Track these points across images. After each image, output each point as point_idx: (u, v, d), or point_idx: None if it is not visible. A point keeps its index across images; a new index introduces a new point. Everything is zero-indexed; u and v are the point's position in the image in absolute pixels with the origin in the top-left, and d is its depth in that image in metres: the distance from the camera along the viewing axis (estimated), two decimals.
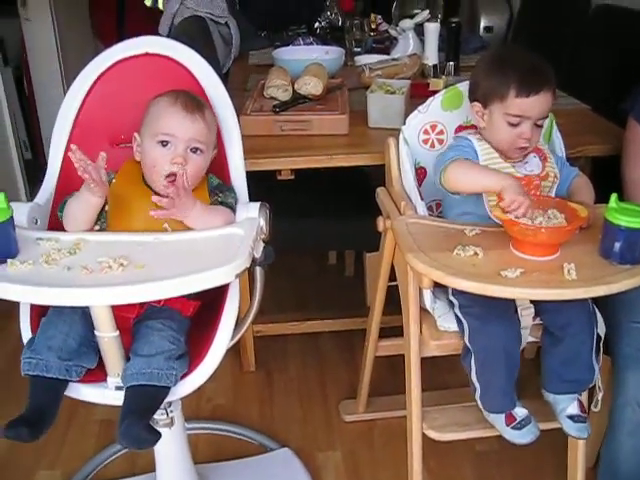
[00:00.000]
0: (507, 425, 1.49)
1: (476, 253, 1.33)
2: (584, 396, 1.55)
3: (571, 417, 1.50)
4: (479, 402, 1.51)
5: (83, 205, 1.43)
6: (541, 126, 1.51)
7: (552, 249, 1.33)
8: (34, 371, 1.33)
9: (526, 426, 1.48)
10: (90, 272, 1.23)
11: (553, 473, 1.91)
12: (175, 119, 1.44)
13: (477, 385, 1.49)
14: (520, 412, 1.50)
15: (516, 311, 1.47)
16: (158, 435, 1.30)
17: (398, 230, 1.47)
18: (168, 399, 1.40)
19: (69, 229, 1.45)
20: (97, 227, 1.46)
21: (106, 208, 1.46)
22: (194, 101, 1.48)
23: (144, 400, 1.34)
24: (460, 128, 1.69)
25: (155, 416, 1.49)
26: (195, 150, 1.46)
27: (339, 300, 2.64)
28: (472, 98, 1.57)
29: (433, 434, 1.59)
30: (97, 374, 1.40)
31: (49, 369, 1.33)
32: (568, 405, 1.50)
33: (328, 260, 3.07)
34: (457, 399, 1.66)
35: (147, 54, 1.62)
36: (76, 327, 1.37)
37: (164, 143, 1.44)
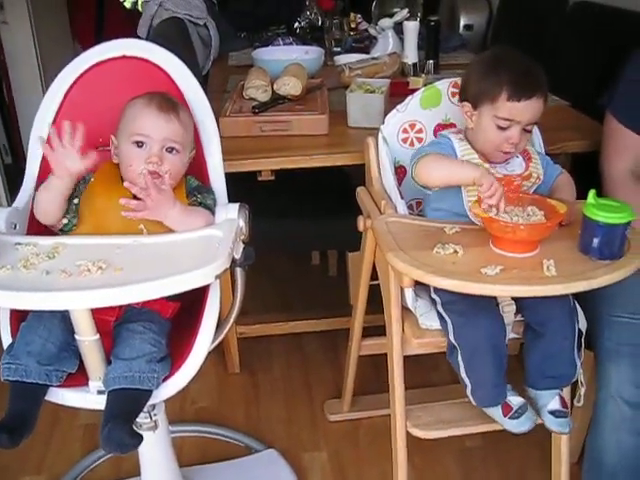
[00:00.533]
0: (505, 416, 1.49)
1: (456, 251, 1.33)
2: (566, 391, 1.56)
3: (552, 412, 1.50)
4: (471, 398, 1.50)
5: (48, 190, 1.43)
6: (529, 131, 1.50)
7: (531, 246, 1.33)
8: (14, 376, 1.33)
9: (523, 414, 1.48)
10: (69, 276, 1.23)
11: (538, 468, 1.92)
12: (149, 119, 1.44)
13: (467, 381, 1.49)
14: (515, 401, 1.50)
15: (497, 306, 1.48)
16: (140, 438, 1.29)
17: (378, 229, 1.47)
18: (151, 402, 1.40)
19: (39, 218, 1.46)
20: (65, 220, 1.46)
21: (75, 201, 1.45)
22: (169, 102, 1.48)
23: (126, 404, 1.34)
24: (439, 126, 1.70)
25: (138, 419, 1.48)
26: (171, 150, 1.46)
27: (323, 300, 2.64)
28: (462, 98, 1.56)
29: (417, 432, 1.59)
30: (78, 378, 1.39)
31: (29, 374, 1.32)
32: (549, 401, 1.51)
33: (311, 260, 3.06)
34: (441, 396, 1.67)
35: (124, 57, 1.61)
36: (56, 332, 1.36)
37: (139, 144, 1.44)
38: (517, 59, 1.52)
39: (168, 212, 1.39)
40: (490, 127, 1.49)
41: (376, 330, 1.86)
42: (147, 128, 1.44)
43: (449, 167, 1.47)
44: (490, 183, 1.34)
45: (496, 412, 1.50)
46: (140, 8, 4.35)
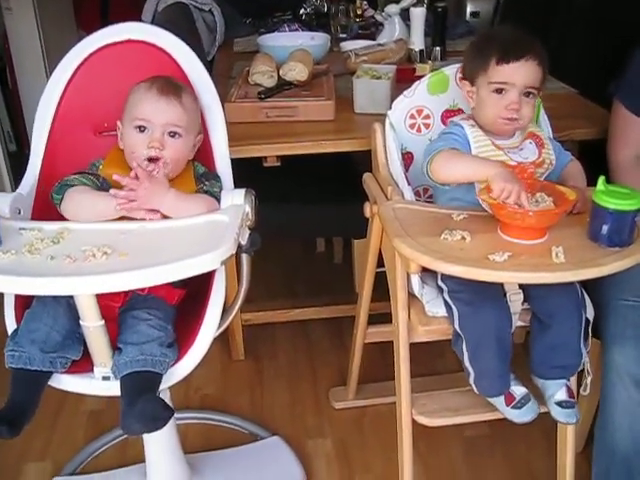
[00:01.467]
0: (507, 405, 1.49)
1: (463, 237, 1.32)
2: (573, 380, 1.55)
3: (559, 403, 1.49)
4: (474, 386, 1.50)
5: (96, 211, 1.40)
6: (531, 99, 1.47)
7: (540, 232, 1.32)
8: (17, 364, 1.33)
9: (526, 404, 1.48)
10: (74, 261, 1.22)
11: (543, 457, 1.91)
12: (150, 104, 1.44)
13: (471, 370, 1.48)
14: (518, 390, 1.50)
15: (505, 295, 1.47)
16: (172, 412, 1.31)
17: (385, 215, 1.45)
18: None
19: (69, 217, 1.42)
20: None
21: None
22: (170, 85, 1.47)
23: (143, 384, 1.33)
24: (447, 112, 1.69)
25: None
26: (173, 134, 1.45)
27: (328, 287, 2.64)
28: (461, 78, 1.57)
29: (423, 420, 1.59)
30: (83, 364, 1.39)
31: (32, 362, 1.32)
32: (556, 391, 1.50)
33: (316, 247, 3.05)
34: (447, 384, 1.66)
35: (129, 40, 1.60)
36: (60, 319, 1.36)
37: (142, 128, 1.44)
38: (507, 31, 1.53)
39: (162, 199, 1.37)
40: (488, 96, 1.48)
41: (381, 317, 1.85)
42: (148, 112, 1.43)
43: (464, 166, 1.44)
44: (501, 188, 1.30)
45: (499, 401, 1.50)
46: None
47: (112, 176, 1.38)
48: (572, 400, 1.50)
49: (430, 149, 1.49)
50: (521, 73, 1.44)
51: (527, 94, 1.46)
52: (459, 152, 1.47)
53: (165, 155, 1.43)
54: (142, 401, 1.26)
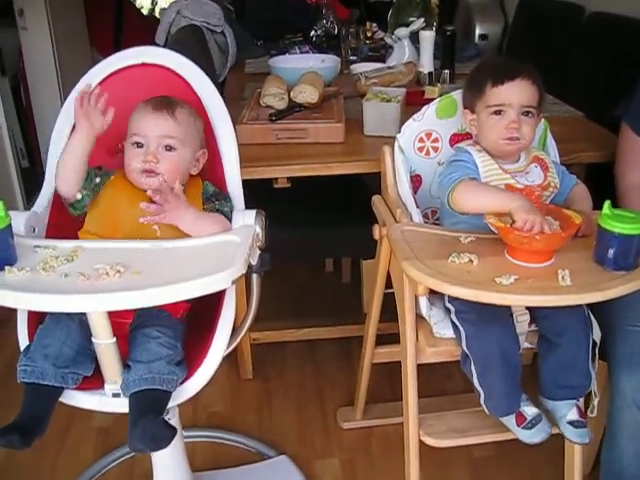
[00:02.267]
0: (518, 426, 1.50)
1: (471, 260, 1.33)
2: (581, 402, 1.56)
3: (571, 423, 1.50)
4: (484, 407, 1.51)
5: (69, 147, 1.47)
6: (530, 118, 1.50)
7: (547, 256, 1.33)
8: (30, 378, 1.34)
9: (536, 425, 1.49)
10: (87, 279, 1.24)
11: (551, 479, 1.91)
12: (144, 119, 1.49)
13: (480, 390, 1.50)
14: (530, 411, 1.51)
15: (511, 316, 1.48)
16: (175, 431, 1.31)
17: (394, 238, 1.47)
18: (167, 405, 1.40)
19: (58, 186, 1.49)
20: (79, 195, 1.47)
21: (97, 180, 1.49)
22: (165, 101, 1.51)
23: (150, 403, 1.34)
24: (455, 136, 1.70)
25: None
26: (169, 148, 1.49)
27: (336, 307, 2.65)
28: (463, 106, 1.62)
29: (430, 440, 1.60)
30: (94, 381, 1.40)
31: (45, 377, 1.34)
32: (568, 411, 1.51)
33: (325, 267, 3.07)
34: (455, 405, 1.68)
35: (144, 64, 1.63)
36: (73, 335, 1.37)
37: (138, 145, 1.49)
38: (501, 58, 1.56)
39: (183, 216, 1.41)
40: (488, 119, 1.51)
41: (390, 338, 1.86)
42: (142, 128, 1.48)
43: (488, 198, 1.44)
44: (524, 220, 1.32)
45: (510, 421, 1.51)
46: (158, 15, 4.39)
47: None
48: (584, 420, 1.51)
49: (449, 179, 1.50)
50: (516, 92, 1.48)
51: (526, 113, 1.50)
52: (479, 183, 1.49)
53: (161, 168, 1.47)
54: (142, 422, 1.28)
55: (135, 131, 1.49)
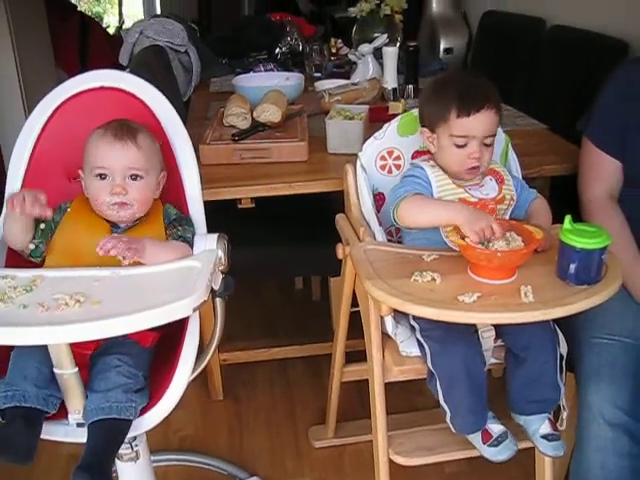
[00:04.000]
0: (484, 443, 1.50)
1: (434, 279, 1.33)
2: (552, 415, 1.56)
3: (545, 437, 1.50)
4: (450, 425, 1.51)
5: (9, 227, 1.46)
6: (490, 145, 1.51)
7: (509, 272, 1.34)
8: (10, 402, 1.30)
9: (502, 442, 1.49)
10: (46, 309, 1.22)
11: None
12: (106, 150, 1.46)
13: (446, 408, 1.49)
14: (496, 428, 1.50)
15: (476, 332, 1.48)
16: None
17: (356, 257, 1.47)
18: (132, 433, 1.39)
19: (7, 242, 1.49)
20: (32, 245, 1.47)
21: (42, 226, 1.47)
22: (123, 128, 1.48)
23: (107, 435, 1.33)
24: (417, 153, 1.70)
25: (120, 450, 1.47)
26: (135, 177, 1.47)
27: (307, 325, 2.64)
28: (421, 124, 1.60)
29: (399, 459, 1.59)
30: (59, 411, 1.37)
31: (27, 399, 1.30)
32: (540, 425, 1.51)
33: (295, 285, 3.06)
34: (426, 421, 1.68)
35: (102, 87, 1.62)
36: (48, 356, 1.33)
37: (102, 176, 1.46)
38: (462, 77, 1.56)
39: (139, 256, 1.38)
40: (449, 147, 1.50)
41: (359, 355, 1.84)
42: (105, 160, 1.46)
43: (431, 211, 1.46)
44: (474, 233, 1.33)
45: (476, 439, 1.51)
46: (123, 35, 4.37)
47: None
48: (557, 432, 1.51)
49: (395, 195, 1.51)
50: (481, 123, 1.47)
51: (487, 141, 1.49)
52: (423, 197, 1.49)
53: (130, 198, 1.45)
54: (79, 471, 1.27)
55: (97, 163, 1.46)
